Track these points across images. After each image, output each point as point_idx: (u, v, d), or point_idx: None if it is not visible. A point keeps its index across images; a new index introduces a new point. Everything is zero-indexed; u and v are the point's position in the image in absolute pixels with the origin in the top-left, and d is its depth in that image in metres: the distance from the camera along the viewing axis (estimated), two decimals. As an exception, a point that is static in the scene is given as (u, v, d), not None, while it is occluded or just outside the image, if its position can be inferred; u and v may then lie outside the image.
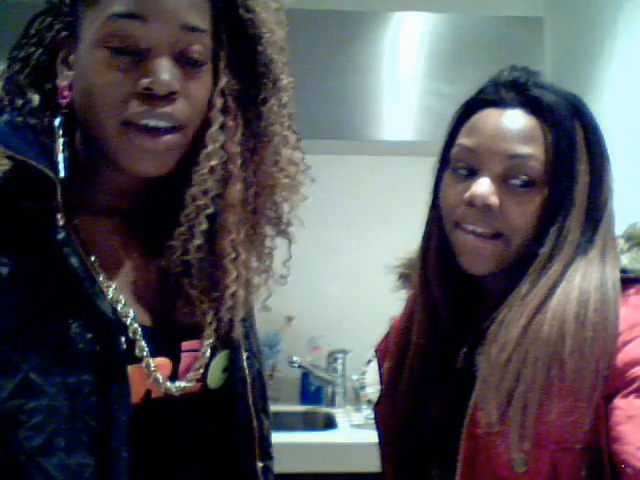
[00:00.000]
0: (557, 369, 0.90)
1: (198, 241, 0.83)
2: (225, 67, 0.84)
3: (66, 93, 0.81)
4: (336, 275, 2.69)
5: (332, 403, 2.59)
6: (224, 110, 0.84)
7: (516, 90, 0.99)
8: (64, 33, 0.82)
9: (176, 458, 0.86)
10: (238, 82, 0.85)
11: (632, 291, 0.95)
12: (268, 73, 0.85)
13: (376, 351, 1.20)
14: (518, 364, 0.91)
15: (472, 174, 0.98)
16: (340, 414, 2.49)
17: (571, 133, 0.96)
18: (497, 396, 0.92)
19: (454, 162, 1.00)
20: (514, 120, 0.97)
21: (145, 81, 0.77)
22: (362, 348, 2.39)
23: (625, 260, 0.97)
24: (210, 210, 0.83)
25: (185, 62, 0.80)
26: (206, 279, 0.85)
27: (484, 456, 0.95)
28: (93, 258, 0.80)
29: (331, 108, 2.39)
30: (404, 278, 1.16)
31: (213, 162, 0.82)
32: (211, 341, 0.87)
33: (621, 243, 1.00)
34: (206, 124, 0.83)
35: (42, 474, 0.72)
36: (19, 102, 0.82)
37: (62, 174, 0.78)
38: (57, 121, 0.81)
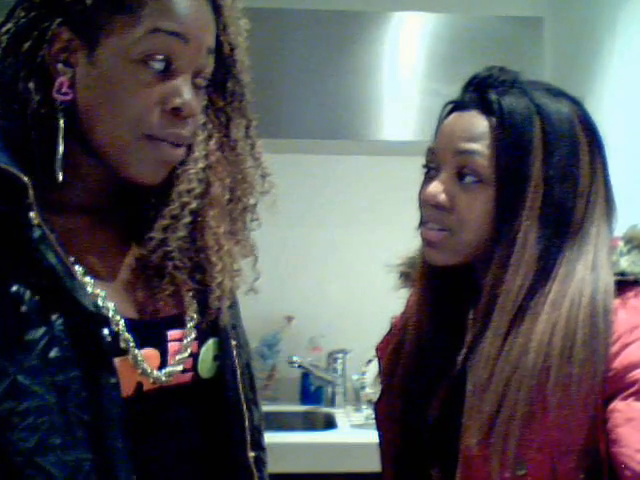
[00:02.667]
0: (540, 401, 0.91)
1: (181, 233, 0.86)
2: (208, 86, 0.89)
3: (66, 90, 0.80)
4: (336, 275, 2.69)
5: (332, 403, 2.59)
6: (207, 122, 0.90)
7: (476, 92, 1.02)
8: (63, 28, 0.80)
9: (170, 449, 0.86)
10: (217, 98, 0.91)
11: (631, 294, 0.95)
12: (239, 91, 0.92)
13: (377, 350, 1.21)
14: (499, 390, 0.93)
15: (437, 173, 1.03)
16: (340, 414, 2.49)
17: (523, 131, 0.96)
18: (479, 419, 0.93)
19: (425, 163, 1.06)
20: (467, 120, 1.01)
21: (177, 101, 0.81)
22: (362, 348, 2.39)
23: (624, 263, 0.97)
24: (194, 206, 0.86)
25: (196, 83, 0.84)
26: (189, 263, 0.88)
27: (481, 460, 0.95)
28: (71, 256, 0.80)
29: (331, 108, 2.40)
30: (405, 277, 1.18)
31: (199, 165, 0.88)
32: (193, 324, 0.89)
33: (621, 245, 1.00)
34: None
35: (41, 473, 0.73)
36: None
37: (59, 177, 0.79)
38: (62, 122, 0.80)
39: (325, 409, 2.58)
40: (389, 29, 2.45)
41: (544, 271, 0.95)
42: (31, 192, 0.75)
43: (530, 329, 0.93)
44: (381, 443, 1.18)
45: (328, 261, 2.70)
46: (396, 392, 1.12)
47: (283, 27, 2.42)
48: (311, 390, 2.63)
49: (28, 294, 0.75)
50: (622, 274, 0.96)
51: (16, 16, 0.81)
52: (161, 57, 0.80)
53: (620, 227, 1.10)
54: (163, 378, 0.84)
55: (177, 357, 0.86)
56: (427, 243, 1.03)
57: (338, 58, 2.41)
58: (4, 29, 0.82)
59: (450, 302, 1.08)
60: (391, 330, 1.19)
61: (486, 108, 0.99)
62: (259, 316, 2.69)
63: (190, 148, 0.87)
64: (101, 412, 0.76)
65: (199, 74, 0.84)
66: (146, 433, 0.83)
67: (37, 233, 0.76)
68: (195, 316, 0.89)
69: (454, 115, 1.03)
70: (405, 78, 2.44)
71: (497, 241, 0.97)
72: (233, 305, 0.98)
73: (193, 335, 0.88)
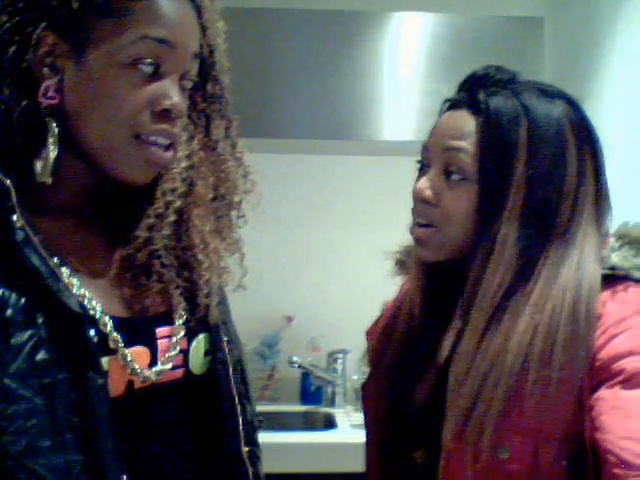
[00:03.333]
0: (518, 397, 0.93)
1: (166, 231, 0.87)
2: (194, 87, 0.91)
3: (52, 94, 0.81)
4: (336, 275, 2.69)
5: (332, 403, 2.59)
6: (189, 122, 0.92)
7: (468, 91, 1.04)
8: (48, 32, 0.80)
9: (163, 447, 0.87)
10: (199, 99, 0.93)
11: (620, 287, 0.97)
12: (221, 93, 0.95)
13: (367, 333, 1.24)
14: (475, 386, 0.95)
15: (428, 170, 1.06)
16: (340, 414, 2.49)
17: (507, 132, 0.98)
18: (455, 413, 0.96)
19: (420, 160, 1.09)
20: (456, 119, 1.03)
21: (166, 102, 0.83)
22: (362, 348, 2.39)
23: (615, 258, 0.99)
24: (178, 204, 0.88)
25: (182, 85, 0.86)
26: (175, 262, 0.89)
27: (457, 452, 0.97)
28: (55, 257, 0.80)
29: (331, 108, 2.40)
30: (400, 264, 1.21)
31: (183, 164, 0.89)
32: (182, 321, 0.89)
33: (612, 242, 1.01)
34: None
35: (32, 476, 0.73)
36: None
37: (50, 180, 0.81)
38: (54, 125, 0.81)
39: (325, 409, 2.58)
40: (389, 29, 2.45)
41: (524, 271, 0.97)
42: (13, 194, 0.76)
43: (510, 328, 0.95)
44: (366, 425, 1.20)
45: (328, 261, 2.70)
46: (384, 374, 1.14)
47: (283, 27, 2.42)
48: (311, 390, 2.63)
49: (14, 297, 0.75)
50: (613, 268, 0.97)
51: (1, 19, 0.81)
52: (149, 61, 0.82)
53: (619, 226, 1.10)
54: (153, 377, 0.84)
55: (166, 355, 0.87)
56: (416, 241, 1.06)
57: (338, 58, 2.41)
58: None
59: (441, 292, 1.10)
60: (382, 315, 1.22)
61: (475, 107, 1.01)
62: (259, 316, 2.70)
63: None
64: (90, 413, 0.77)
65: (185, 77, 0.86)
66: (138, 431, 0.84)
67: (20, 235, 0.76)
68: (184, 313, 0.90)
69: (447, 113, 1.06)
70: (405, 78, 2.44)
71: (478, 239, 0.99)
72: (222, 301, 0.98)
73: (182, 332, 0.89)
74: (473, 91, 1.03)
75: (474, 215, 1.00)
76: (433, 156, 1.04)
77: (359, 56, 2.43)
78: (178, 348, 0.88)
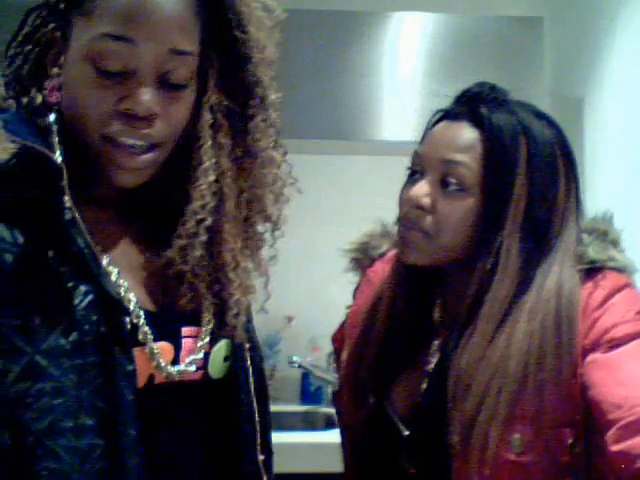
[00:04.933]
0: (520, 403, 0.98)
1: (198, 252, 0.86)
2: (215, 85, 0.87)
3: (55, 93, 0.82)
4: (336, 275, 2.69)
5: (332, 403, 2.59)
6: (215, 126, 0.87)
7: (468, 105, 1.07)
8: (57, 33, 0.83)
9: (177, 443, 0.86)
10: (227, 99, 0.87)
11: (600, 277, 1.03)
12: (256, 91, 0.88)
13: (333, 340, 1.26)
14: (480, 392, 0.98)
15: (421, 177, 1.08)
16: (340, 414, 2.48)
17: (510, 149, 1.03)
18: (460, 418, 0.99)
19: (410, 166, 1.11)
20: (457, 131, 1.06)
21: (127, 103, 0.79)
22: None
23: (592, 252, 1.05)
24: (209, 222, 0.86)
25: (168, 85, 0.82)
26: (208, 278, 0.88)
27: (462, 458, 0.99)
28: (98, 246, 0.81)
29: (331, 108, 2.40)
30: (355, 262, 1.27)
31: (210, 178, 0.86)
32: (210, 327, 0.89)
33: (585, 237, 1.07)
34: (196, 140, 0.86)
35: (51, 456, 0.73)
36: (24, 100, 0.83)
37: (58, 161, 0.79)
38: (52, 117, 0.82)
39: (325, 409, 2.58)
40: (389, 29, 2.45)
41: (525, 282, 1.02)
42: (65, 176, 0.76)
43: (510, 335, 1.00)
44: (341, 431, 1.24)
45: (328, 261, 2.69)
46: (361, 380, 1.15)
47: (283, 27, 2.42)
48: (311, 390, 2.63)
49: (52, 276, 0.76)
50: (592, 262, 1.04)
51: (28, 24, 0.84)
52: (109, 61, 0.79)
53: (621, 226, 1.10)
54: (175, 375, 0.84)
55: (191, 357, 0.86)
56: (402, 241, 1.08)
57: (338, 58, 2.41)
58: (17, 39, 0.84)
59: (418, 297, 1.14)
60: (346, 320, 1.26)
61: (476, 121, 1.05)
62: (259, 316, 2.70)
63: (195, 156, 0.86)
64: (116, 400, 0.76)
65: (167, 76, 0.81)
66: (154, 425, 0.83)
67: (69, 215, 0.77)
68: (211, 318, 0.89)
69: (444, 123, 1.09)
70: (405, 78, 2.43)
71: (480, 250, 1.03)
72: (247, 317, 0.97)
73: (208, 337, 0.88)
74: (473, 105, 1.06)
75: (468, 226, 1.03)
76: (429, 165, 1.06)
77: (359, 56, 2.42)
78: (203, 352, 0.88)
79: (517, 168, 1.02)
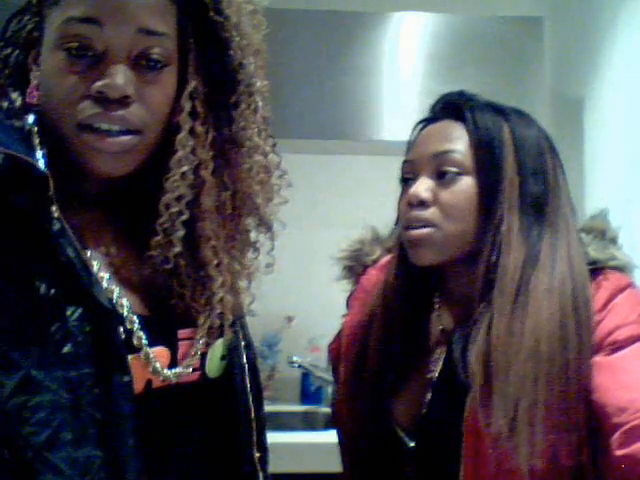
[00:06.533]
0: (554, 388, 0.97)
1: (176, 249, 0.83)
2: (194, 71, 0.84)
3: (35, 93, 0.82)
4: (336, 275, 2.69)
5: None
6: (193, 114, 0.84)
7: (446, 105, 1.13)
8: (35, 33, 0.83)
9: (177, 447, 0.86)
10: (208, 86, 0.85)
11: (602, 277, 1.04)
12: (238, 77, 0.85)
13: (329, 350, 1.25)
14: (519, 374, 0.97)
15: (415, 179, 1.10)
16: (340, 414, 2.48)
17: (495, 134, 1.06)
18: (502, 404, 0.97)
19: (402, 175, 1.14)
20: (441, 128, 1.11)
21: (98, 84, 0.78)
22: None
23: (593, 252, 1.06)
24: (185, 216, 0.83)
25: (143, 66, 0.80)
26: (193, 282, 0.86)
27: (489, 449, 0.98)
28: (88, 250, 0.80)
29: (331, 108, 2.39)
30: (348, 269, 1.28)
31: (184, 168, 0.83)
32: (206, 327, 0.88)
33: (584, 237, 1.08)
34: (175, 129, 0.84)
35: (51, 469, 0.72)
36: (4, 104, 0.82)
37: (43, 169, 0.78)
38: (30, 118, 0.81)
39: (325, 409, 2.57)
40: (389, 29, 2.45)
41: (530, 257, 1.03)
42: (52, 185, 0.75)
43: (536, 314, 0.99)
44: (341, 441, 1.23)
45: (328, 261, 2.69)
46: (360, 392, 1.15)
47: (283, 27, 2.42)
48: (311, 390, 2.63)
49: (43, 288, 0.74)
50: (594, 262, 1.05)
51: (9, 30, 0.84)
52: (76, 44, 0.78)
53: (621, 227, 1.10)
54: (172, 377, 0.84)
55: (187, 360, 0.86)
56: (413, 243, 1.07)
57: (338, 58, 2.41)
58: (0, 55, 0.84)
59: (416, 305, 1.14)
60: (341, 330, 1.25)
61: (458, 117, 1.09)
62: (259, 316, 2.69)
63: (172, 146, 0.83)
64: (113, 410, 0.76)
65: (140, 57, 0.80)
66: (153, 429, 0.83)
67: (57, 226, 0.75)
68: (207, 320, 0.88)
69: (427, 128, 1.13)
70: (405, 78, 2.43)
71: (483, 231, 1.04)
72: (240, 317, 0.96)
73: (204, 339, 0.88)
74: (452, 105, 1.11)
75: (474, 209, 1.05)
76: (420, 166, 1.09)
77: (359, 56, 2.42)
78: (199, 353, 0.87)
79: (504, 149, 1.05)
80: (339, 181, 2.69)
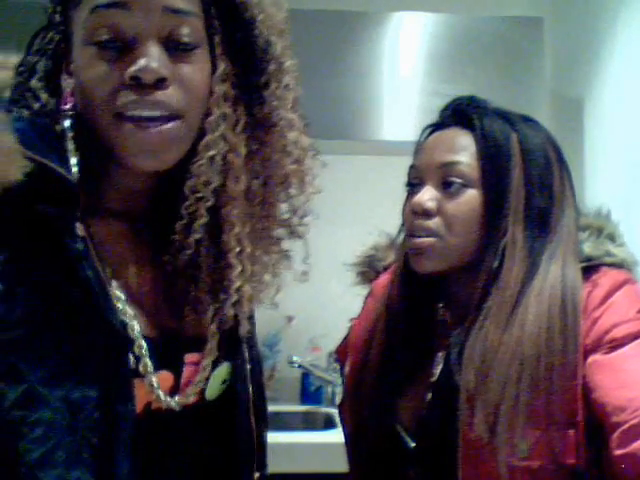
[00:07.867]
0: (539, 389, 0.97)
1: (198, 235, 0.80)
2: (222, 53, 0.81)
3: (69, 99, 0.79)
4: (336, 275, 2.69)
5: (332, 403, 2.59)
6: (224, 98, 0.81)
7: (454, 112, 1.12)
8: (63, 45, 0.81)
9: (174, 468, 0.84)
10: (238, 68, 0.82)
11: (597, 275, 1.04)
12: (267, 56, 0.83)
13: (337, 353, 1.26)
14: (501, 380, 0.98)
15: (421, 187, 1.10)
16: (340, 414, 2.48)
17: (503, 145, 1.07)
18: (483, 410, 0.98)
19: (408, 179, 1.13)
20: (449, 136, 1.10)
21: (132, 69, 0.74)
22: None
23: (588, 249, 1.07)
24: (210, 202, 0.79)
25: (174, 47, 0.77)
26: (212, 275, 0.82)
27: (488, 451, 0.98)
28: (107, 268, 0.77)
29: (331, 108, 2.39)
30: (362, 275, 1.29)
31: (212, 152, 0.79)
32: (212, 357, 0.86)
33: (580, 234, 1.09)
34: (207, 113, 0.80)
35: None
36: (36, 105, 0.80)
37: (75, 177, 0.75)
38: (67, 123, 0.78)
39: (325, 409, 2.58)
40: (389, 29, 2.45)
41: (532, 268, 1.03)
42: (80, 200, 0.72)
43: (523, 320, 1.00)
44: (347, 443, 1.23)
45: (328, 261, 2.69)
46: (363, 394, 1.16)
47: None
48: (311, 390, 2.63)
49: (60, 305, 0.72)
50: (589, 259, 1.05)
51: (34, 44, 0.82)
52: (105, 31, 0.75)
53: (624, 228, 1.10)
54: (174, 405, 0.82)
55: (190, 388, 0.84)
56: (416, 251, 1.08)
57: (338, 58, 2.41)
58: (27, 67, 0.82)
59: (422, 307, 1.15)
60: (349, 333, 1.26)
61: (467, 125, 1.08)
62: (259, 316, 2.69)
63: (202, 131, 0.80)
64: (111, 436, 0.73)
65: (171, 37, 0.77)
66: (150, 450, 0.81)
67: (80, 246, 0.72)
68: (214, 340, 0.86)
69: (435, 134, 1.12)
70: (405, 78, 2.43)
71: (488, 245, 1.04)
72: (251, 317, 0.93)
73: (210, 365, 0.85)
74: (461, 113, 1.10)
75: (477, 220, 1.05)
76: (427, 174, 1.09)
77: (359, 56, 2.42)
78: (202, 382, 0.85)
79: (512, 161, 1.05)
80: (339, 181, 2.69)
